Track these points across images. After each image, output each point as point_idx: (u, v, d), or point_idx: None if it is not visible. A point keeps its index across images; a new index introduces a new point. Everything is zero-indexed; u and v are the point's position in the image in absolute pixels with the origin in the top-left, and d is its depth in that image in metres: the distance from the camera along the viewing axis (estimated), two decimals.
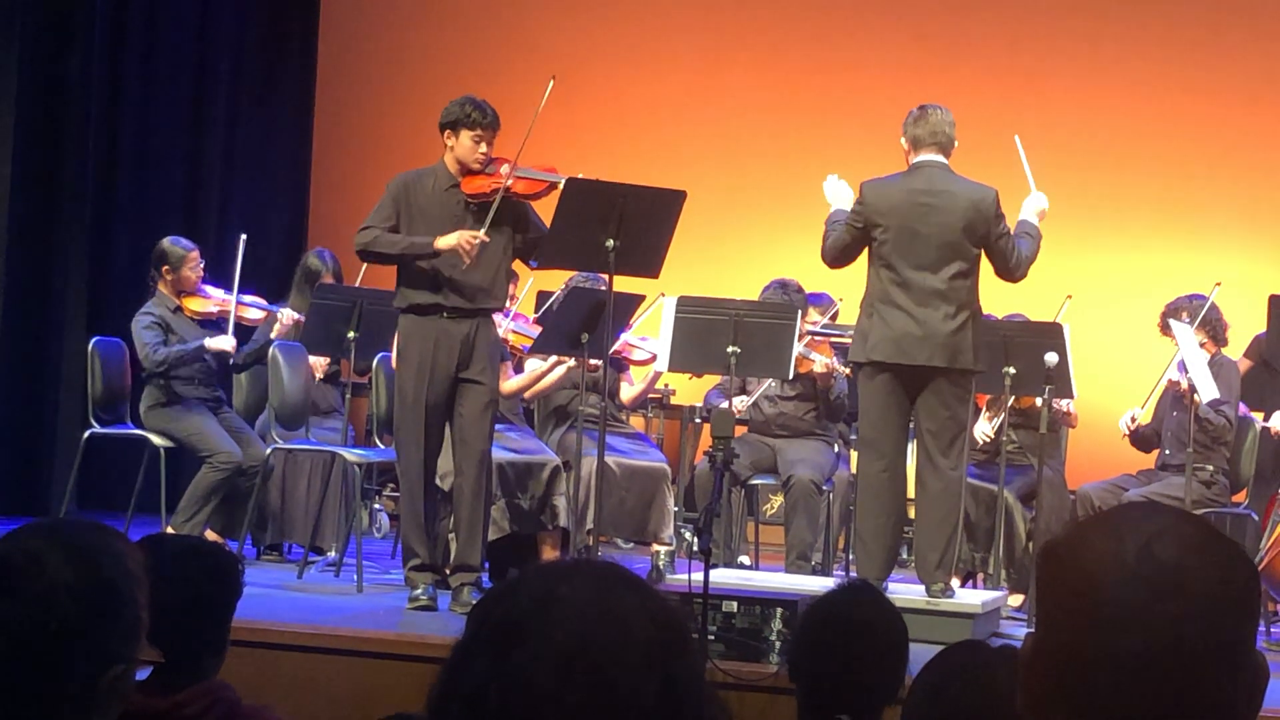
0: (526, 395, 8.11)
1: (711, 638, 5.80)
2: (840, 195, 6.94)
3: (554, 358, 7.94)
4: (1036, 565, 1.59)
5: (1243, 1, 10.68)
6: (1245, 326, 8.65)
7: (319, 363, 8.41)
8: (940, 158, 6.77)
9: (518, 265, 7.23)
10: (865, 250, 6.81)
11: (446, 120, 6.91)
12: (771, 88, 11.05)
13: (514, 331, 7.98)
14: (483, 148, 6.85)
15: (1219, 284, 8.16)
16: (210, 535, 7.71)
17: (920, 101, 7.00)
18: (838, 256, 6.87)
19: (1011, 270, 6.83)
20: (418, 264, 6.83)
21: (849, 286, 7.36)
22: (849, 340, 8.42)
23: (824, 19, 11.12)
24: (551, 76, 6.94)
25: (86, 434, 8.13)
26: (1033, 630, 1.57)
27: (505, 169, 6.85)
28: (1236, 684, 1.50)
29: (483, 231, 6.73)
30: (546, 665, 1.45)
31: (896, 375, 6.70)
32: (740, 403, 8.33)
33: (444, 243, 6.73)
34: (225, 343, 8.03)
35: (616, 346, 7.90)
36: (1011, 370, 7.51)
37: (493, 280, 6.90)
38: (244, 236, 8.33)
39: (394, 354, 7.91)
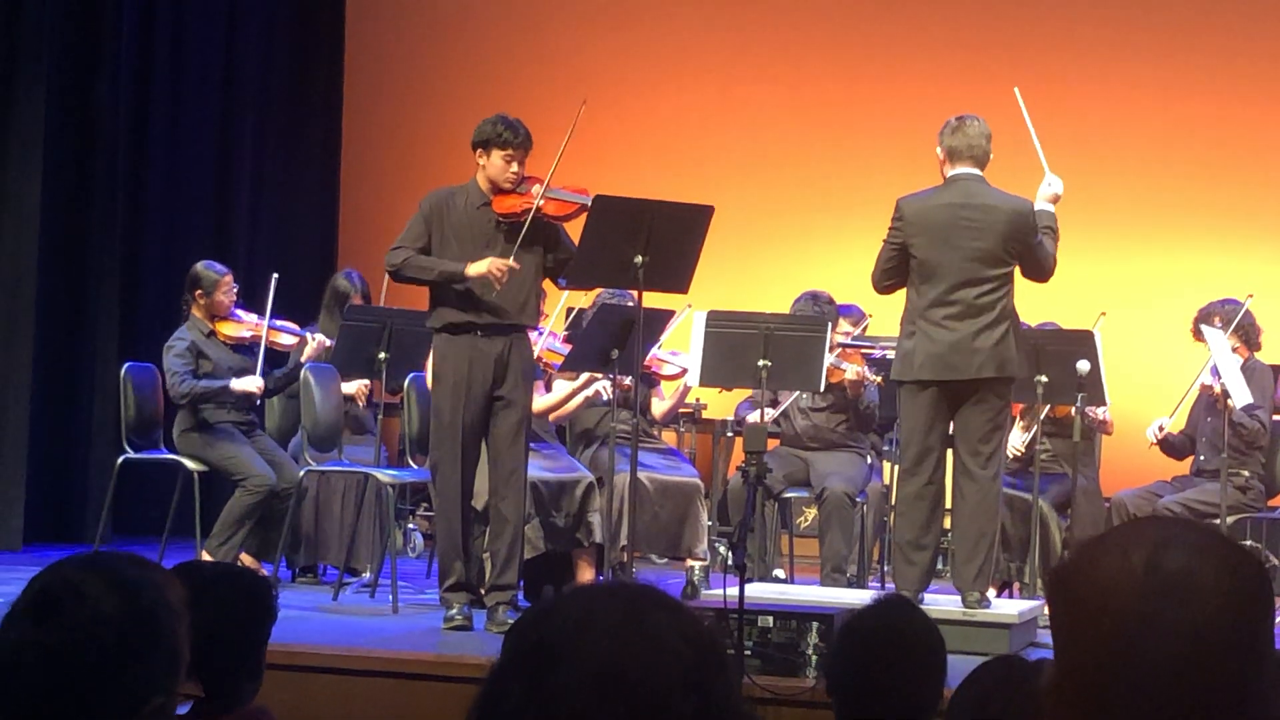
0: (551, 418, 8.05)
1: (748, 653, 5.78)
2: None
3: (584, 376, 7.92)
4: (1047, 593, 1.59)
5: (1274, 4, 10.64)
6: (1279, 330, 8.61)
7: (362, 387, 8.44)
8: (976, 170, 6.74)
9: (546, 284, 7.21)
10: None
11: (478, 139, 6.88)
12: (797, 100, 11.05)
13: (547, 349, 7.95)
14: (514, 167, 6.82)
15: (1251, 295, 8.13)
16: (245, 558, 7.73)
17: (944, 110, 6.97)
18: (889, 279, 6.79)
19: (1045, 273, 6.81)
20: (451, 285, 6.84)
21: (880, 299, 7.32)
22: (877, 351, 8.44)
23: (847, 31, 11.12)
24: (583, 101, 6.90)
25: (120, 459, 8.15)
26: (1052, 659, 1.56)
27: (536, 189, 6.82)
28: (1261, 679, 1.50)
29: (512, 258, 6.72)
30: (582, 688, 1.46)
31: (942, 390, 6.66)
32: (768, 415, 8.30)
33: (475, 269, 6.72)
34: (251, 384, 8.01)
35: (645, 361, 7.88)
36: (1044, 379, 7.46)
37: (524, 299, 6.89)
38: (275, 276, 8.25)
39: (428, 373, 7.93)
